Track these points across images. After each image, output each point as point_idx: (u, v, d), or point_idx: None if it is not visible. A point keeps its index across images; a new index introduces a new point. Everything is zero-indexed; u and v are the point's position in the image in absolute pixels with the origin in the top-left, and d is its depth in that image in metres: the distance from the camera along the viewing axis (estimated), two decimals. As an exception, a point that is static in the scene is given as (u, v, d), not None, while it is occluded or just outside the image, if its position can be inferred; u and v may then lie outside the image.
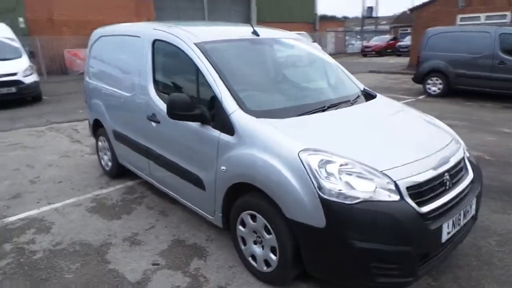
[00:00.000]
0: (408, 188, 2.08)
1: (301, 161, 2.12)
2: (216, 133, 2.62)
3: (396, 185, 2.06)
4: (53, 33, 18.47)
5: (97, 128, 4.54)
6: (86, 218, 3.54)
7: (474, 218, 2.57)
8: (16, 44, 10.52)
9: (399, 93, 10.42)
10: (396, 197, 2.04)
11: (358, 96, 3.18)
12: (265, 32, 3.40)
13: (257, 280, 2.56)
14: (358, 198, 2.00)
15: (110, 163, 4.42)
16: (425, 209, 2.10)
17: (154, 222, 3.42)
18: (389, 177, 2.07)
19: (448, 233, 2.20)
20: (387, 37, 29.74)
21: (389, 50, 27.13)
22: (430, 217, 2.12)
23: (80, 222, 3.47)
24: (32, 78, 10.08)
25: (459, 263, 2.74)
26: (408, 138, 2.52)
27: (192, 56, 2.83)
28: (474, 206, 2.48)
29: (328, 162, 2.10)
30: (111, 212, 3.64)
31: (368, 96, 3.30)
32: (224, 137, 2.56)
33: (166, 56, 3.23)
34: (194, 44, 2.89)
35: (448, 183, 2.30)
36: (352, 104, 3.00)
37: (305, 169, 2.10)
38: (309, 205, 2.07)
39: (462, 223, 2.34)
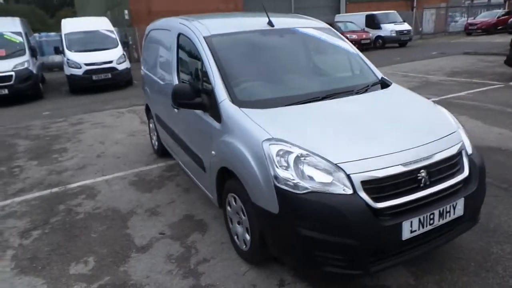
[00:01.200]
0: (364, 183, 2.06)
1: (263, 150, 2.24)
2: (210, 120, 2.86)
3: (350, 179, 2.06)
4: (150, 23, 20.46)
5: (148, 111, 5.14)
6: (125, 190, 4.13)
7: (465, 219, 2.39)
8: (114, 35, 12.04)
9: (488, 78, 9.21)
10: (349, 191, 2.04)
11: (368, 86, 3.08)
12: (282, 22, 3.46)
13: (239, 257, 2.78)
14: (307, 188, 2.06)
15: (156, 143, 4.99)
16: (382, 205, 2.06)
17: (176, 198, 3.84)
18: (343, 170, 2.07)
19: (413, 231, 2.11)
20: (499, 11, 25.78)
21: (499, 27, 23.56)
22: (388, 214, 2.08)
23: (120, 192, 4.08)
24: (124, 65, 11.50)
25: (453, 266, 2.56)
26: (388, 132, 2.41)
27: (199, 49, 3.08)
28: (461, 207, 2.29)
29: (287, 152, 2.18)
30: (146, 186, 4.18)
31: (382, 85, 3.16)
32: (215, 124, 2.78)
33: (185, 49, 3.53)
34: (203, 37, 3.13)
35: (423, 180, 2.18)
36: (356, 94, 2.95)
37: (266, 157, 2.22)
38: (267, 192, 2.20)
39: (437, 223, 2.20)
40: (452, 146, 2.39)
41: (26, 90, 10.21)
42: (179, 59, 3.63)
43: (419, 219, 2.13)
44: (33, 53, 11.06)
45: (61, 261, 2.91)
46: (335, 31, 3.69)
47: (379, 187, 2.09)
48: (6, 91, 9.88)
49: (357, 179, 2.06)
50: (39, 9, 54.74)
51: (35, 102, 10.25)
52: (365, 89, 3.04)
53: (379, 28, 18.74)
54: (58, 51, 11.69)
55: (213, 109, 2.80)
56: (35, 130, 7.16)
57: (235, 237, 2.82)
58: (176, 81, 3.58)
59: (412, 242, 2.17)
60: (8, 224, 3.55)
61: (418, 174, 2.18)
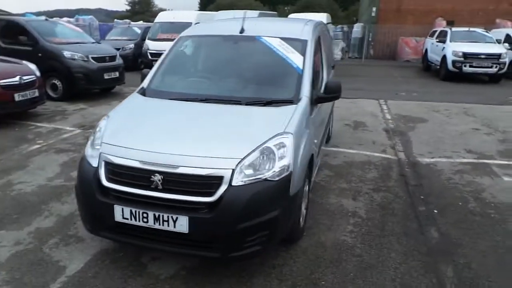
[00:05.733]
0: (106, 163, 2.56)
1: None
2: None
3: (99, 156, 2.60)
4: (397, 21, 20.06)
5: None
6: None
7: (207, 246, 2.43)
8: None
9: None
10: (95, 164, 2.61)
11: (264, 101, 3.03)
12: (256, 29, 3.70)
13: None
14: (83, 154, 2.76)
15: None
16: (108, 184, 2.51)
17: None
18: (98, 149, 2.64)
19: (124, 218, 2.43)
20: None
21: None
22: (110, 194, 2.50)
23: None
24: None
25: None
26: (175, 136, 2.69)
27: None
28: (183, 224, 2.32)
29: (97, 127, 2.91)
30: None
31: (278, 103, 3.03)
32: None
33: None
34: (180, 36, 3.94)
35: (155, 183, 2.39)
36: (244, 105, 3.03)
37: None
38: None
39: (152, 224, 2.38)
40: (204, 168, 2.37)
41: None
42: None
43: (131, 211, 2.41)
44: None
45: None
46: (310, 44, 3.52)
47: (115, 171, 2.53)
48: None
49: (102, 158, 2.59)
50: (335, 2, 61.59)
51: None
52: (261, 103, 3.02)
53: None
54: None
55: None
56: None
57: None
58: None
59: (130, 229, 2.48)
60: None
61: (152, 176, 2.41)
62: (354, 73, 14.62)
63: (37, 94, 6.73)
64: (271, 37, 3.59)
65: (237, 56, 3.66)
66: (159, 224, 2.38)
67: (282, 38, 3.56)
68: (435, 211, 3.73)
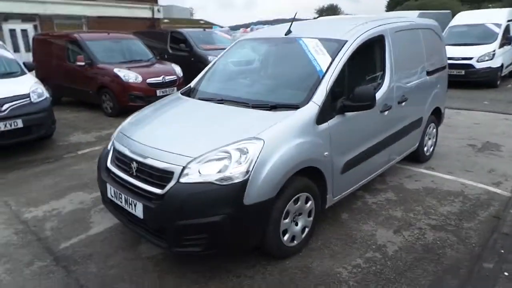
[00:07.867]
0: (113, 148, 3.01)
1: None
2: None
3: (113, 141, 3.07)
4: None
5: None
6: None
7: (159, 235, 2.54)
8: (497, 29, 10.77)
9: None
10: (109, 147, 3.10)
11: (268, 105, 2.91)
12: (300, 31, 3.53)
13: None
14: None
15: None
16: (109, 166, 2.96)
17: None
18: (113, 136, 3.11)
19: (112, 196, 2.82)
20: None
21: None
22: (109, 174, 2.93)
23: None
24: (487, 64, 10.32)
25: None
26: (174, 131, 2.92)
27: None
28: (139, 210, 2.53)
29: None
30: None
31: (283, 108, 2.85)
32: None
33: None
34: (238, 39, 4.14)
35: (132, 169, 2.69)
36: (251, 107, 3.00)
37: None
38: None
39: (124, 206, 2.68)
40: (162, 162, 2.51)
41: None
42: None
43: (114, 190, 2.78)
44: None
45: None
46: (348, 46, 3.12)
47: (116, 155, 2.95)
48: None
49: (113, 144, 3.04)
50: None
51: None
52: (267, 107, 2.93)
53: None
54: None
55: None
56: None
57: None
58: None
59: (116, 206, 2.84)
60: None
61: (130, 162, 2.72)
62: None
63: (175, 91, 8.09)
64: (310, 38, 3.35)
65: (269, 58, 3.60)
66: (127, 206, 2.66)
67: (320, 39, 3.29)
68: (506, 273, 2.71)
